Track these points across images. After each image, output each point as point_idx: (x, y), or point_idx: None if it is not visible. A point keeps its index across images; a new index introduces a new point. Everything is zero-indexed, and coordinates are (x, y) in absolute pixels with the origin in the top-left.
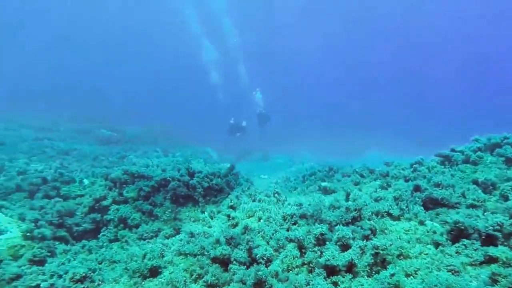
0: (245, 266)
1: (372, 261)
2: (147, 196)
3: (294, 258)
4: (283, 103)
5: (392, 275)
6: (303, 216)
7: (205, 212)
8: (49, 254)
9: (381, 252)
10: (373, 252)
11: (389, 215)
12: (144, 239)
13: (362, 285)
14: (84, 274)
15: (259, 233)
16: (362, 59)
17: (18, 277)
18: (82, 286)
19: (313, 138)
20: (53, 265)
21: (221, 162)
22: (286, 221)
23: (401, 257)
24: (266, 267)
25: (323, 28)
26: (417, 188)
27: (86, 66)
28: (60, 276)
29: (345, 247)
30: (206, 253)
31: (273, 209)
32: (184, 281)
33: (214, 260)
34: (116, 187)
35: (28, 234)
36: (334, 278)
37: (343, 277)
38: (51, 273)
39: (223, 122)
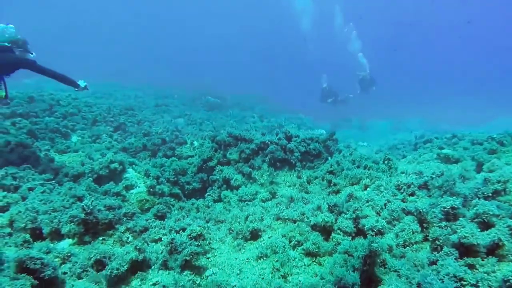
0: (350, 237)
1: None
2: (247, 158)
3: (413, 233)
4: (389, 66)
5: None
6: (423, 187)
7: (302, 177)
8: (168, 210)
9: None
10: None
11: None
12: (244, 201)
13: None
14: (200, 232)
15: (367, 202)
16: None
17: (145, 229)
18: (197, 243)
19: (422, 104)
20: (171, 221)
21: (315, 128)
22: (401, 190)
23: None
24: None
25: None
26: None
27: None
28: (177, 232)
29: (485, 225)
30: (306, 220)
31: (384, 177)
32: (283, 247)
33: (315, 227)
34: (221, 149)
35: (151, 189)
36: (470, 260)
37: (484, 260)
38: (169, 228)
39: (317, 86)
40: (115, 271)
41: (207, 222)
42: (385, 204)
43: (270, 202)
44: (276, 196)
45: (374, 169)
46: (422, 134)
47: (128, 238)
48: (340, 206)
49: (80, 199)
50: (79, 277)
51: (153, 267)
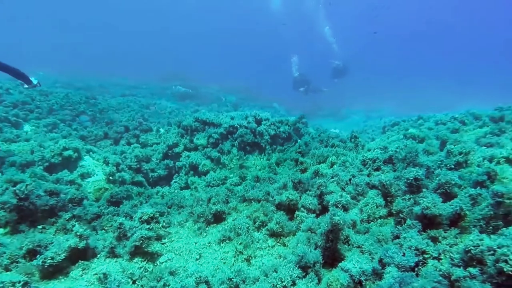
0: (315, 215)
1: (491, 213)
2: (216, 143)
3: (377, 207)
4: (362, 57)
5: None
6: (388, 161)
7: (272, 159)
8: (125, 195)
9: (506, 201)
10: (493, 202)
11: (509, 161)
12: (212, 187)
13: (481, 239)
14: (151, 215)
15: (332, 178)
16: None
17: (97, 217)
18: (148, 226)
19: (393, 93)
20: (127, 207)
21: (289, 116)
22: (367, 166)
23: None
24: None
25: None
26: None
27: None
28: (131, 217)
29: (447, 196)
30: (271, 199)
31: (350, 154)
32: (247, 228)
33: (279, 206)
34: (188, 134)
35: (110, 177)
36: (433, 232)
37: (446, 232)
38: (124, 214)
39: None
40: (49, 261)
41: (169, 207)
42: (350, 179)
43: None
44: (246, 180)
45: (341, 147)
46: (390, 120)
47: (74, 226)
48: (305, 183)
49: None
50: (7, 269)
51: (99, 255)
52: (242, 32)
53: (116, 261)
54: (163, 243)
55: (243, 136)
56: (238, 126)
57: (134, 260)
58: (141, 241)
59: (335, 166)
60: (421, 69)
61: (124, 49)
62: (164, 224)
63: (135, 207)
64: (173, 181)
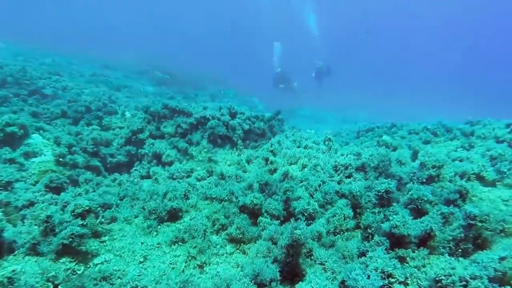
0: (279, 221)
1: (461, 235)
2: (184, 133)
3: (345, 219)
4: (345, 60)
5: (502, 259)
6: (360, 169)
7: (243, 156)
8: (67, 181)
9: (478, 224)
10: (464, 223)
11: (480, 178)
12: (175, 179)
13: (452, 268)
14: (87, 208)
15: (301, 182)
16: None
17: (31, 204)
18: (82, 222)
19: (370, 99)
20: (68, 195)
21: (266, 113)
22: (338, 172)
23: (502, 234)
24: (307, 225)
25: None
26: None
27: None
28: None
29: (419, 212)
30: (234, 200)
31: (322, 157)
32: (204, 231)
33: (243, 209)
34: (155, 121)
35: (60, 159)
36: (401, 252)
37: (415, 252)
38: (63, 203)
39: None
40: None
41: (121, 199)
42: (319, 185)
43: (206, 180)
44: (214, 175)
45: (314, 149)
46: (365, 125)
47: None
48: (272, 185)
49: None
50: None
51: (16, 252)
52: (225, 23)
53: (36, 261)
54: (102, 241)
55: (214, 128)
56: (210, 117)
57: (61, 260)
58: (71, 239)
59: (306, 168)
60: (401, 76)
61: (104, 26)
62: (103, 220)
63: (79, 196)
64: (133, 168)
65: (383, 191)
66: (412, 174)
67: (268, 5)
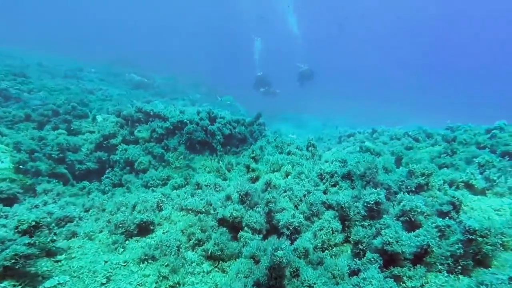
0: (261, 236)
1: (460, 251)
2: (160, 138)
3: (333, 232)
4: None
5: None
6: (346, 177)
7: (222, 162)
8: (21, 191)
9: (479, 239)
10: (463, 238)
11: (469, 186)
12: (149, 187)
13: (450, 286)
14: (34, 223)
15: (285, 192)
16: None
17: None
18: (29, 241)
19: (350, 104)
20: (21, 207)
21: (248, 117)
22: (324, 180)
23: (501, 248)
24: (292, 240)
25: None
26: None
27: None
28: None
29: (411, 224)
30: (212, 212)
31: (306, 164)
32: (178, 247)
33: (222, 222)
34: (128, 125)
35: (20, 166)
36: (396, 270)
37: (411, 270)
38: (14, 215)
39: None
40: None
41: (87, 210)
42: (304, 195)
43: (183, 189)
44: (191, 183)
45: (297, 155)
46: (345, 130)
47: None
48: (253, 196)
49: None
50: None
51: None
52: (205, 23)
53: None
54: (56, 261)
55: (192, 133)
56: (188, 122)
57: (1, 285)
58: (14, 260)
59: (289, 176)
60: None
61: (77, 25)
62: (55, 237)
63: (36, 208)
64: (104, 176)
65: (372, 202)
66: (400, 183)
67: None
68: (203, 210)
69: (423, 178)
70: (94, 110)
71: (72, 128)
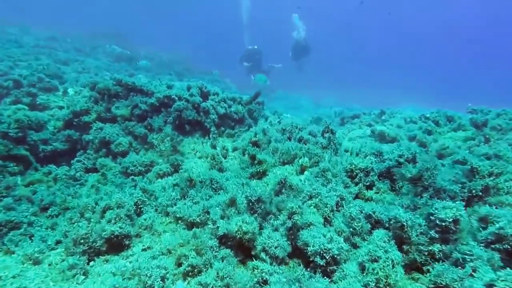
0: (284, 265)
1: None
2: (142, 116)
3: (394, 266)
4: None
5: None
6: (385, 175)
7: (218, 147)
8: None
9: None
10: None
11: None
12: (130, 174)
13: None
14: None
15: (310, 198)
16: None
17: None
18: None
19: (340, 86)
20: None
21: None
22: (356, 179)
23: None
24: (328, 274)
25: None
26: None
27: None
28: None
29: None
30: (211, 224)
31: (326, 156)
32: (163, 277)
33: (225, 240)
34: (104, 101)
35: None
36: None
37: None
38: None
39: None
40: None
41: (45, 209)
42: (337, 204)
43: (170, 178)
44: (180, 170)
45: (311, 142)
46: (342, 111)
47: None
48: (266, 202)
49: None
50: None
51: None
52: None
53: None
54: None
55: (182, 111)
56: (177, 98)
57: None
58: None
59: (306, 172)
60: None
61: None
62: None
63: None
64: (75, 159)
65: (449, 220)
66: (461, 185)
67: None
68: (198, 221)
69: (491, 179)
70: (68, 83)
71: (38, 103)
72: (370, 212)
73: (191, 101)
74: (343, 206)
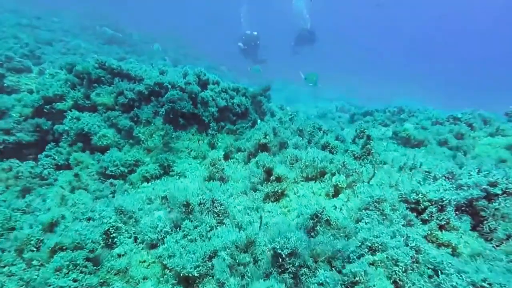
0: None
1: None
2: (129, 105)
3: None
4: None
5: None
6: (466, 209)
7: (218, 147)
8: None
9: None
10: None
11: None
12: (109, 176)
13: None
14: None
15: (372, 252)
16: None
17: None
18: None
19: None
20: None
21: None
22: (424, 215)
23: None
24: None
25: None
26: None
27: None
28: None
29: None
30: (215, 284)
31: (364, 169)
32: None
33: None
34: (83, 86)
35: None
36: None
37: None
38: None
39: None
40: None
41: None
42: (413, 260)
43: (158, 181)
44: (171, 173)
45: (340, 150)
46: (343, 105)
47: None
48: (300, 257)
49: None
50: None
51: None
52: None
53: None
54: None
55: (176, 101)
56: (170, 86)
57: None
58: None
59: (341, 194)
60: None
61: None
62: None
63: None
64: (44, 153)
65: None
66: None
67: None
68: (196, 274)
69: None
70: (46, 63)
71: (6, 85)
72: (473, 280)
73: (187, 90)
74: (419, 263)
